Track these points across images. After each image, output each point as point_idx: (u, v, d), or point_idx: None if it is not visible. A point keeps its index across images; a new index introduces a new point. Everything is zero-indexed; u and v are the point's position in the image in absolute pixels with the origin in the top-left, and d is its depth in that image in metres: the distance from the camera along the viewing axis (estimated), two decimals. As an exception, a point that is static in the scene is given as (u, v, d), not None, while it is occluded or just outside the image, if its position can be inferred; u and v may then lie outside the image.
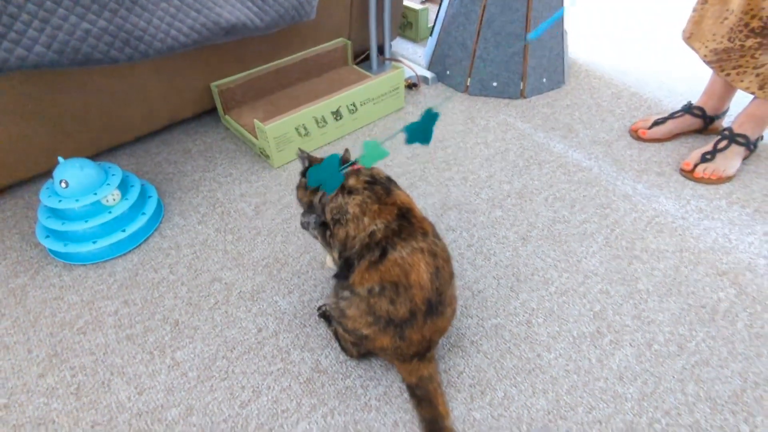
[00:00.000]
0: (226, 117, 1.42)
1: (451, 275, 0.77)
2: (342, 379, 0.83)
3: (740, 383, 0.80)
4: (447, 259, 0.76)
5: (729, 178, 1.20)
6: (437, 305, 0.72)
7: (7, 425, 0.78)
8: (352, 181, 0.80)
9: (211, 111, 1.50)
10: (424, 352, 0.75)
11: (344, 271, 0.77)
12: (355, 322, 0.74)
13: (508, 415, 0.77)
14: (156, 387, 0.83)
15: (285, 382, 0.83)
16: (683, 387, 0.80)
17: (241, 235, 1.11)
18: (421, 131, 0.69)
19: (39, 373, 0.85)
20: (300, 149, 0.89)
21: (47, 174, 1.25)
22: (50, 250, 1.06)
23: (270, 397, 0.81)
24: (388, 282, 0.71)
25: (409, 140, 0.69)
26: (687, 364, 0.83)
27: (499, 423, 0.76)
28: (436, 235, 0.77)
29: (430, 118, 0.68)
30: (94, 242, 1.03)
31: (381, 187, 0.80)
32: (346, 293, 0.74)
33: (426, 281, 0.71)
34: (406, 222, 0.75)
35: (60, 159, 1.02)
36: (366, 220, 0.77)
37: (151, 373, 0.85)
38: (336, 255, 0.81)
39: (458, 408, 0.78)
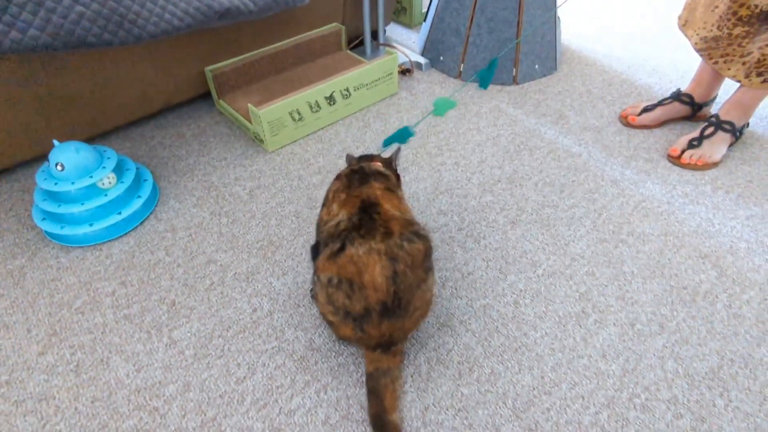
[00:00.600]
0: (220, 101, 1.43)
1: (421, 281, 0.72)
2: (335, 356, 0.85)
3: (717, 360, 0.84)
4: (414, 265, 0.71)
5: (715, 164, 1.22)
6: (395, 309, 0.70)
7: (8, 401, 0.80)
8: (345, 169, 0.82)
9: (205, 95, 1.50)
10: (388, 345, 0.74)
11: (315, 253, 0.79)
12: (323, 308, 0.74)
13: (494, 390, 0.80)
14: (154, 364, 0.85)
15: (279, 360, 0.85)
16: (663, 364, 0.83)
17: (235, 218, 1.12)
18: (485, 77, 0.87)
19: (39, 352, 0.87)
20: (348, 154, 0.93)
21: (42, 157, 1.25)
22: (47, 233, 1.07)
23: (265, 374, 0.83)
24: (344, 277, 0.70)
25: (482, 85, 0.89)
26: (668, 342, 0.86)
27: (486, 398, 0.79)
28: (409, 237, 0.72)
29: (493, 65, 0.86)
30: (90, 225, 1.04)
31: (360, 177, 0.80)
32: (314, 278, 0.75)
33: (381, 284, 0.68)
34: (368, 217, 0.73)
35: (55, 142, 1.03)
36: (335, 206, 0.77)
37: (149, 351, 0.87)
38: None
39: (447, 384, 0.81)
